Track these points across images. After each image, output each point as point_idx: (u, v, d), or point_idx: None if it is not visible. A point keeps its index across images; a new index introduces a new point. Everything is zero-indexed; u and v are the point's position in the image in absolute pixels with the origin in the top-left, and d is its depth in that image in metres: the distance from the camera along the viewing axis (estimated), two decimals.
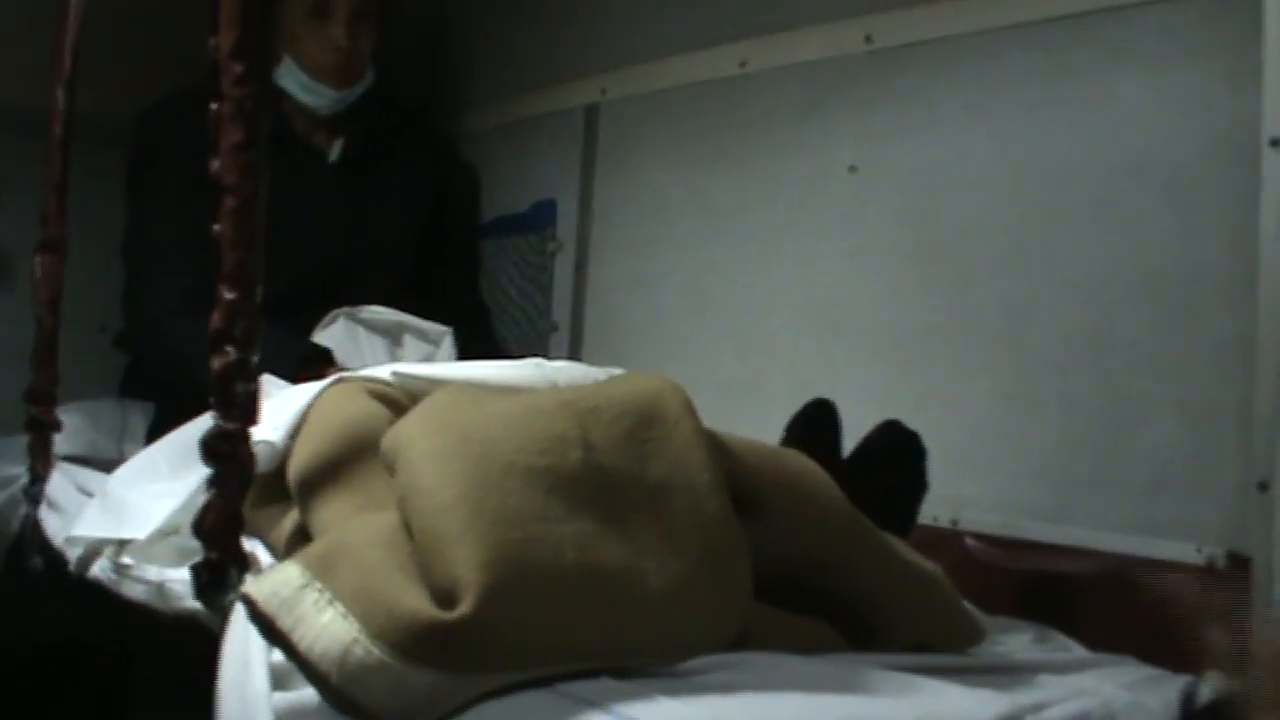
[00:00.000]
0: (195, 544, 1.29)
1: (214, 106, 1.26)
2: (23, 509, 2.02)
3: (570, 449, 1.16)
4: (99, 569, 1.61)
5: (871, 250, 2.15)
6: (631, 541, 1.14)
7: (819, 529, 1.32)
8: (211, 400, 1.24)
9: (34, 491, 1.97)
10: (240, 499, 1.25)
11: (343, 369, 2.10)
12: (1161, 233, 1.80)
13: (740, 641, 1.21)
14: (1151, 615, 1.75)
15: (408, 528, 1.11)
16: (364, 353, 2.32)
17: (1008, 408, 1.95)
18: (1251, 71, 1.70)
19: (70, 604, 1.80)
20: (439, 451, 1.12)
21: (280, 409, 1.42)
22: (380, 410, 1.41)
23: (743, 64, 2.38)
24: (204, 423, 1.30)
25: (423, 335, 2.44)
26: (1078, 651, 1.65)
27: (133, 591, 1.52)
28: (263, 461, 1.32)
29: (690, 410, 1.26)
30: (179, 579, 1.41)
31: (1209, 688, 1.53)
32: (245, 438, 1.24)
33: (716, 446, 1.26)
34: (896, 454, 1.71)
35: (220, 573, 1.25)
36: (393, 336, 2.43)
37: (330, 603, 1.05)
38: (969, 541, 1.93)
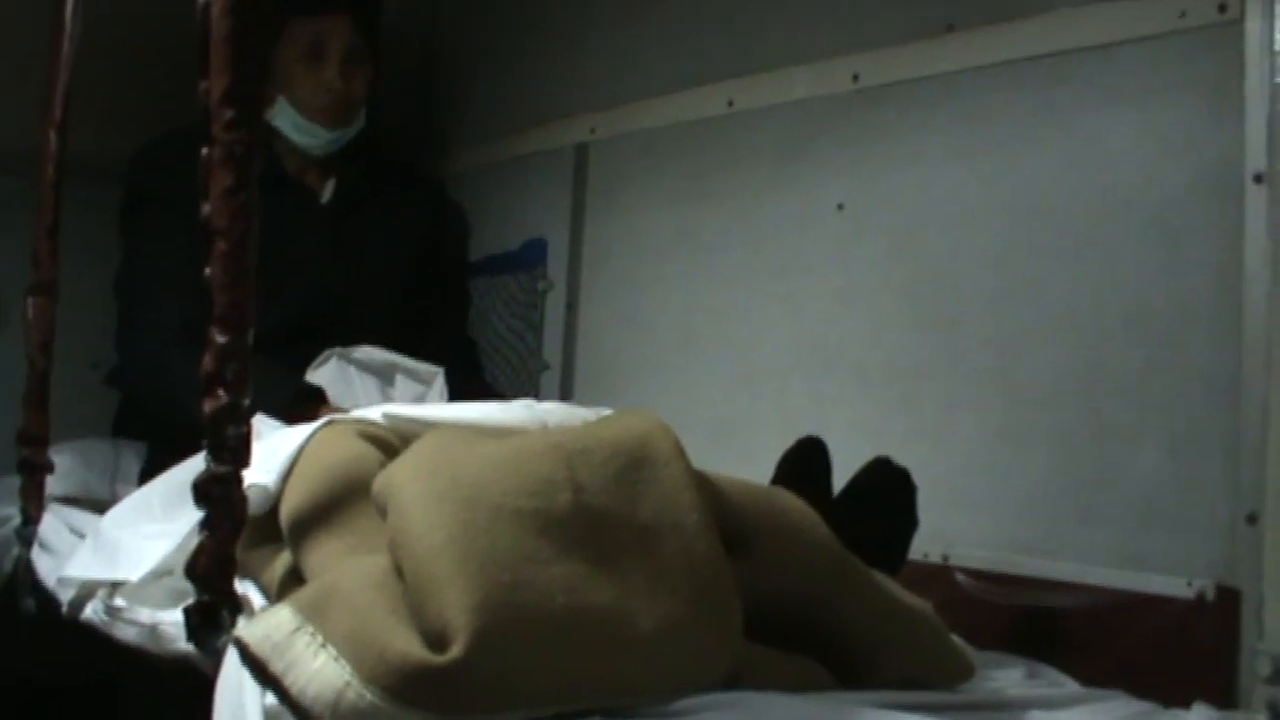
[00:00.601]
0: (187, 586, 1.29)
1: (205, 151, 1.26)
2: (15, 550, 2.02)
3: (560, 491, 1.16)
4: (91, 611, 1.61)
5: (860, 287, 2.16)
6: (622, 582, 1.14)
7: (808, 567, 1.33)
8: (204, 443, 1.24)
9: (26, 533, 1.97)
10: (233, 542, 1.25)
11: (335, 408, 2.11)
12: (1147, 268, 1.81)
13: (731, 680, 1.21)
14: (1142, 649, 1.75)
15: (399, 570, 1.11)
16: (356, 393, 2.32)
17: (996, 443, 1.96)
18: (1234, 108, 1.72)
19: (62, 645, 1.80)
20: (429, 495, 1.13)
21: (272, 451, 1.43)
22: (372, 452, 1.41)
23: (730, 103, 2.40)
24: (196, 464, 1.30)
25: (414, 375, 2.44)
26: (1069, 686, 1.65)
27: (125, 634, 1.52)
28: (255, 504, 1.33)
29: (680, 451, 1.26)
30: (171, 621, 1.41)
31: None
32: (237, 481, 1.25)
33: (706, 487, 1.27)
34: (887, 491, 1.72)
35: (213, 615, 1.25)
36: (385, 376, 2.43)
37: (323, 646, 1.05)
38: (959, 577, 1.94)
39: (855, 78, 2.18)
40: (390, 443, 1.45)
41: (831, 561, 1.35)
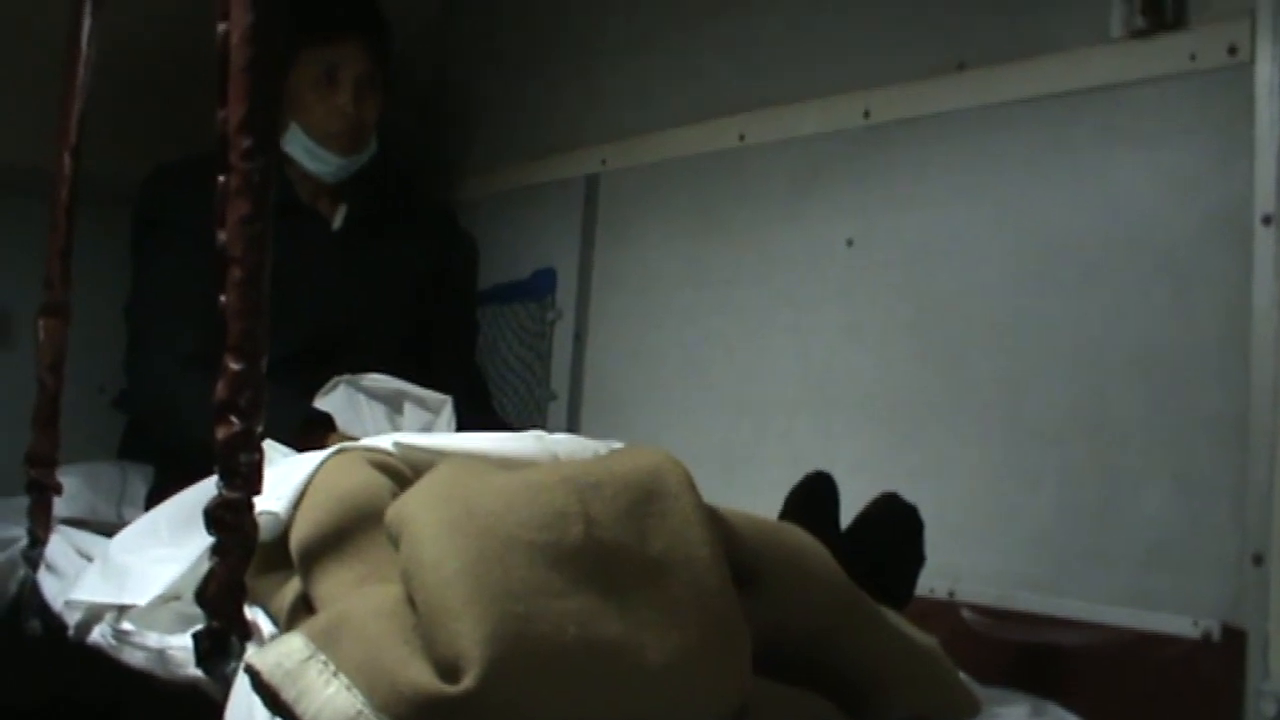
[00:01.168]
0: (196, 611, 1.29)
1: (221, 179, 1.27)
2: (21, 571, 2.02)
3: (572, 524, 1.17)
4: (98, 634, 1.61)
5: (868, 322, 2.17)
6: (632, 615, 1.15)
7: (817, 603, 1.33)
8: (216, 470, 1.25)
9: (33, 555, 1.97)
10: (243, 568, 1.26)
11: (343, 436, 2.11)
12: (1155, 308, 1.82)
13: (740, 715, 1.21)
14: (1147, 687, 1.76)
15: (411, 600, 1.11)
16: (364, 420, 2.33)
17: (1003, 480, 1.96)
18: (1243, 150, 1.73)
19: (67, 668, 1.80)
20: (443, 525, 1.13)
21: (283, 479, 1.43)
22: (382, 481, 1.41)
23: (742, 137, 2.41)
24: (204, 488, 1.31)
25: (423, 404, 2.44)
26: None
27: (133, 658, 1.52)
28: (266, 531, 1.33)
29: (690, 486, 1.26)
30: (180, 646, 1.41)
31: None
32: (249, 507, 1.25)
33: (716, 521, 1.27)
34: (894, 527, 1.72)
35: (222, 641, 1.26)
36: (393, 404, 2.43)
37: (335, 674, 1.05)
38: (965, 613, 1.94)
39: (866, 114, 2.19)
40: (401, 472, 1.45)
41: (841, 597, 1.35)
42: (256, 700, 1.10)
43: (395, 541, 1.20)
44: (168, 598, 1.52)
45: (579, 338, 2.74)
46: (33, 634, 1.91)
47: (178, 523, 1.64)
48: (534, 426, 1.90)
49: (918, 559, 1.73)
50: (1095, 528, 1.86)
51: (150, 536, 1.69)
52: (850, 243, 2.21)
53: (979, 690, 1.56)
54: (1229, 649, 1.68)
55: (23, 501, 2.00)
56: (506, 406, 2.84)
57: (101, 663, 1.59)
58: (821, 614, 1.34)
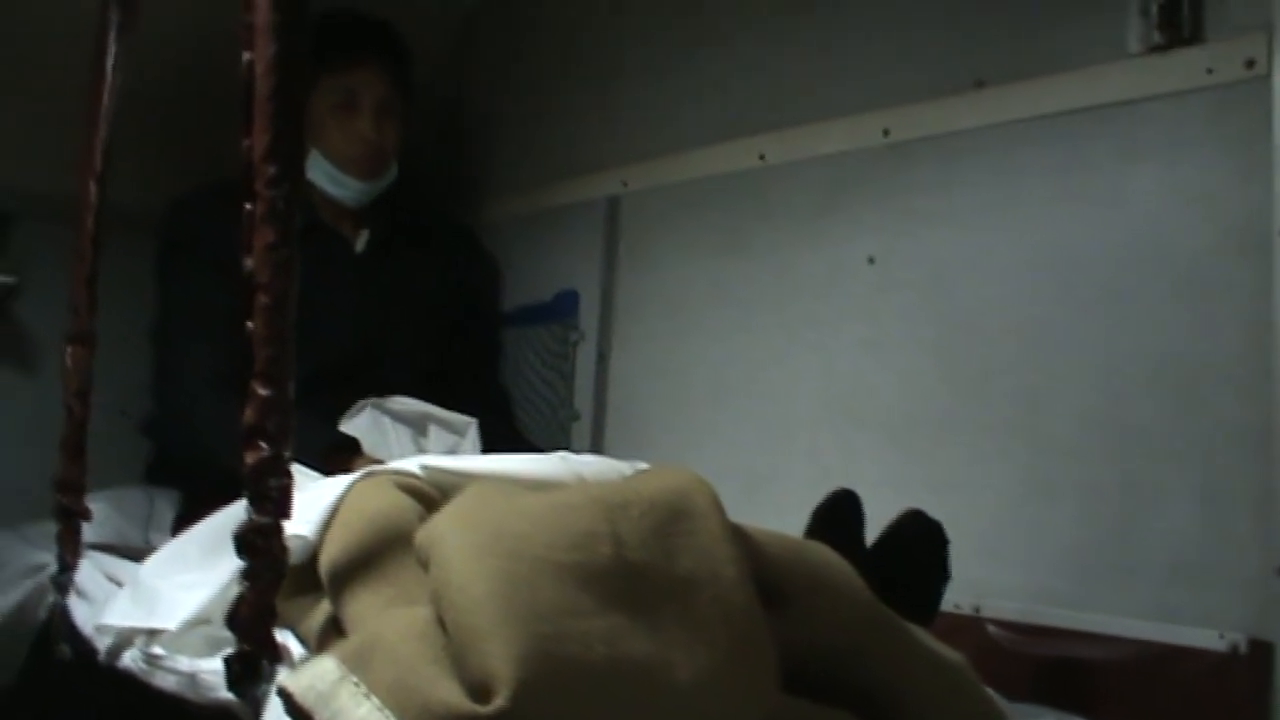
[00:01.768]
0: (225, 634, 1.30)
1: (247, 206, 1.28)
2: (51, 597, 2.03)
3: (600, 545, 1.17)
4: (129, 658, 1.62)
5: (890, 340, 2.17)
6: (660, 634, 1.15)
7: (844, 620, 1.33)
8: (245, 495, 1.25)
9: (62, 580, 1.98)
10: (273, 592, 1.26)
11: (369, 459, 2.12)
12: (1175, 322, 1.82)
13: None
14: (1173, 701, 1.75)
15: (441, 622, 1.12)
16: (390, 443, 2.34)
17: (1027, 495, 1.96)
18: (1262, 164, 1.73)
19: (96, 692, 1.81)
20: (472, 547, 1.14)
21: (312, 502, 1.44)
22: (409, 503, 1.42)
23: (762, 157, 2.42)
24: (232, 512, 1.31)
25: (448, 426, 2.46)
26: None
27: (164, 682, 1.53)
28: (295, 555, 1.34)
29: (717, 505, 1.27)
30: (211, 670, 1.42)
31: None
32: (279, 532, 1.26)
33: (742, 540, 1.28)
34: (919, 543, 1.72)
35: (253, 664, 1.26)
36: (418, 427, 2.45)
37: (366, 696, 1.06)
38: (990, 628, 1.94)
39: (886, 132, 2.20)
40: (428, 494, 1.46)
41: (867, 615, 1.36)
42: None
43: (425, 564, 1.20)
44: (197, 622, 1.53)
45: (602, 358, 2.74)
46: (63, 659, 1.93)
47: (206, 547, 1.65)
48: (558, 447, 1.90)
49: (943, 575, 1.73)
50: (1119, 541, 1.86)
51: (179, 561, 1.70)
52: (871, 260, 2.22)
53: (1006, 705, 1.56)
54: (1256, 662, 1.68)
55: (51, 527, 2.01)
56: (530, 427, 2.84)
57: (132, 687, 1.60)
58: (848, 631, 1.34)
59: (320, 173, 2.52)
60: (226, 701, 1.31)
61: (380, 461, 1.77)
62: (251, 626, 1.26)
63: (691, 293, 2.55)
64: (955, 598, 1.86)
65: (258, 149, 1.28)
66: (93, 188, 1.98)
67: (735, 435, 2.42)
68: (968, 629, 1.93)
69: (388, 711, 1.04)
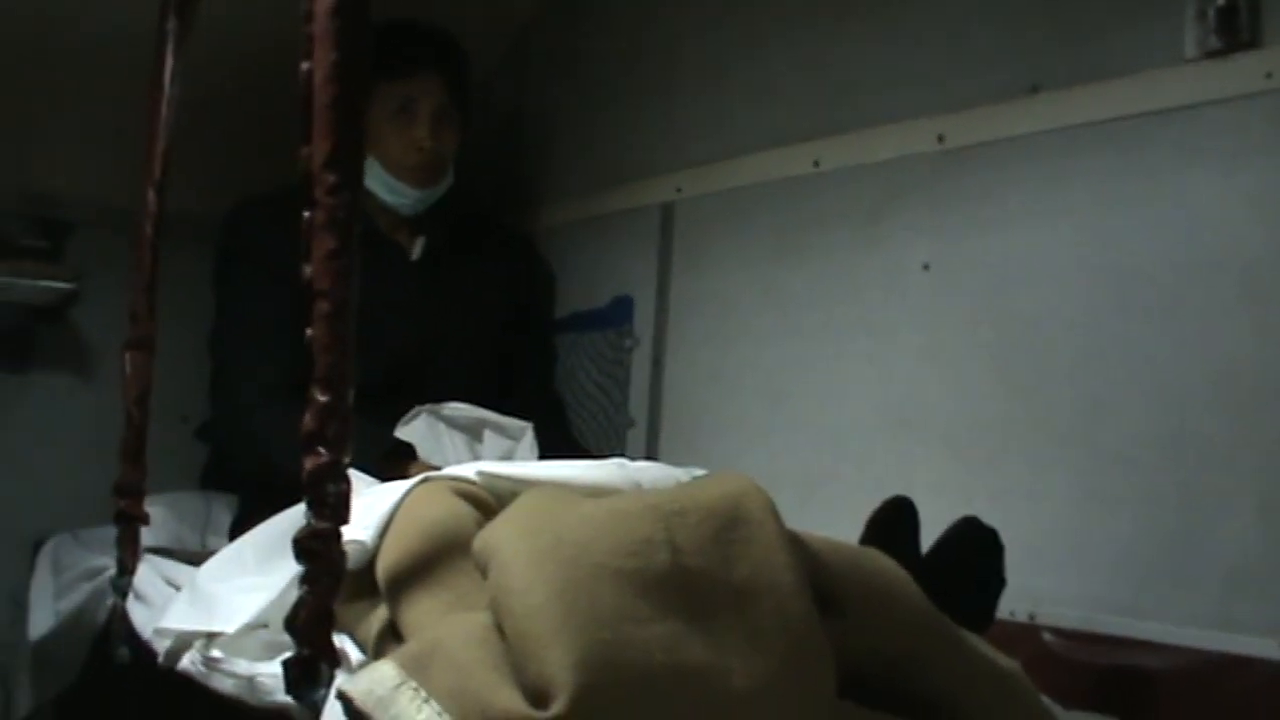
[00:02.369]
0: (283, 638, 1.31)
1: (306, 214, 1.29)
2: (110, 600, 2.06)
3: (658, 551, 1.18)
4: (188, 661, 1.63)
5: (945, 347, 2.16)
6: (717, 641, 1.16)
7: (900, 628, 1.34)
8: (304, 500, 1.26)
9: (122, 584, 2.00)
10: (332, 596, 1.27)
11: (425, 465, 2.14)
12: (1235, 330, 1.80)
13: None
14: (1230, 710, 1.74)
15: (500, 628, 1.13)
16: (445, 449, 2.35)
17: (1083, 503, 1.95)
18: None
19: (154, 694, 1.83)
20: (531, 554, 1.15)
21: (369, 508, 1.45)
22: (466, 510, 1.43)
23: (816, 163, 2.41)
24: (289, 517, 1.32)
25: (503, 431, 2.47)
26: None
27: (222, 685, 1.54)
28: (353, 560, 1.35)
29: (773, 512, 1.27)
30: (269, 673, 1.43)
31: None
32: (337, 537, 1.27)
33: (799, 547, 1.28)
34: (975, 550, 1.72)
35: (312, 668, 1.27)
36: (473, 433, 2.46)
37: (426, 701, 1.07)
38: (1046, 636, 1.93)
39: (941, 138, 2.19)
40: (485, 501, 1.46)
41: (924, 622, 1.36)
42: None
43: (484, 570, 1.21)
44: (255, 625, 1.54)
45: (657, 363, 2.73)
46: (122, 661, 1.95)
47: (264, 551, 1.67)
48: (613, 453, 1.91)
49: (999, 582, 1.73)
50: (1177, 550, 1.84)
51: (237, 565, 1.71)
52: (927, 267, 2.21)
53: (1061, 714, 1.56)
54: None
55: (111, 531, 2.04)
56: (585, 433, 2.84)
57: (191, 690, 1.62)
58: (904, 638, 1.34)
59: (376, 181, 2.54)
60: (285, 705, 1.32)
61: (436, 468, 1.77)
62: (310, 631, 1.27)
63: (745, 298, 2.55)
64: (1010, 605, 1.85)
65: (318, 157, 1.29)
66: (152, 196, 1.99)
67: (789, 441, 2.42)
68: (1023, 636, 1.92)
69: (447, 716, 1.05)
